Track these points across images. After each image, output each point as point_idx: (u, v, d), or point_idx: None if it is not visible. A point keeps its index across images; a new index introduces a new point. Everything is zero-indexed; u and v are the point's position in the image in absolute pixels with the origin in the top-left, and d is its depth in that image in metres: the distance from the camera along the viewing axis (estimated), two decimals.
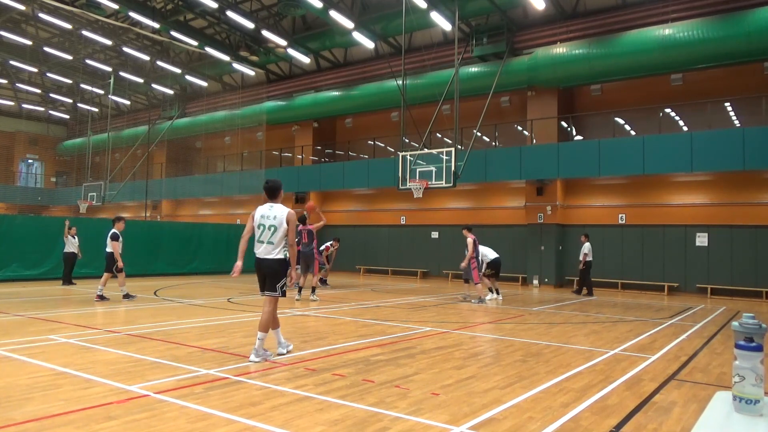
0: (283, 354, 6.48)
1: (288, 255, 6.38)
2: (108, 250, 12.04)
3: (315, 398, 4.69)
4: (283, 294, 6.41)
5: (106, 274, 12.14)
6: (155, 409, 4.30)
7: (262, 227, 6.31)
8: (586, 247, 15.91)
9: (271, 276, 6.29)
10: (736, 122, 18.47)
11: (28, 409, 4.24)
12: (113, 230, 12.08)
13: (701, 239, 17.76)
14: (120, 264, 11.90)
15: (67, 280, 15.75)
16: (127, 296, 12.12)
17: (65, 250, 15.76)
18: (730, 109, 18.53)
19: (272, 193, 6.45)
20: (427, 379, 5.47)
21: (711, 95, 18.15)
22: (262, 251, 6.31)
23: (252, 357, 6.15)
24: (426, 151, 18.41)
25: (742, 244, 17.08)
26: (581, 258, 16.00)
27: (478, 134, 21.32)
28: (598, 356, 6.93)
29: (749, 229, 16.99)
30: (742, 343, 1.95)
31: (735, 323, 2.01)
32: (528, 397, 4.91)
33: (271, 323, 6.32)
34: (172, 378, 5.27)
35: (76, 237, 15.89)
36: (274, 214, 6.28)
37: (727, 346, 7.92)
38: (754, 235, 16.91)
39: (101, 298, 11.81)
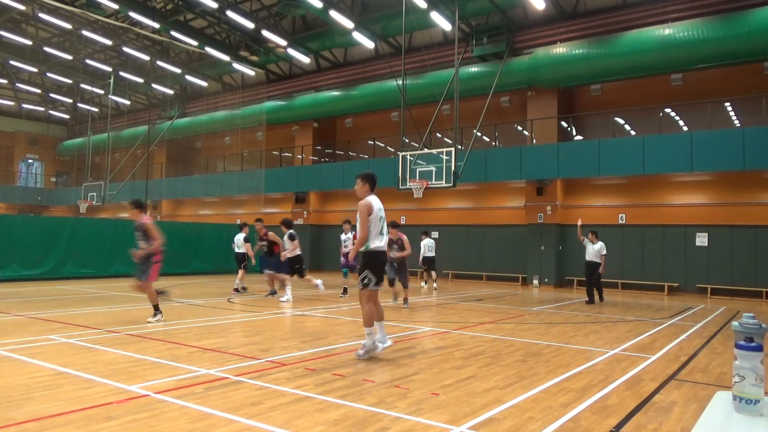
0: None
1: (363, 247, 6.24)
2: (239, 250, 14.37)
3: (315, 398, 4.69)
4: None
5: (241, 272, 14.23)
6: (155, 409, 4.30)
7: (382, 219, 6.06)
8: (603, 246, 13.63)
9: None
10: (736, 122, 18.47)
11: (28, 409, 4.23)
12: (244, 234, 14.40)
13: (701, 239, 17.76)
14: (250, 262, 14.21)
15: None
16: (238, 290, 13.86)
17: None
18: (730, 109, 18.53)
19: (376, 184, 6.32)
20: (427, 379, 5.46)
21: (711, 95, 18.14)
22: (384, 244, 6.08)
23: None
24: (426, 151, 18.41)
25: (742, 244, 17.08)
26: (600, 260, 13.50)
27: (478, 134, 21.32)
28: (598, 356, 6.93)
29: (749, 229, 16.99)
30: (742, 343, 1.95)
31: (735, 323, 2.01)
32: (528, 397, 4.91)
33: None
34: (172, 378, 5.27)
35: None
36: (380, 205, 6.19)
37: (727, 346, 7.91)
38: (754, 235, 16.91)
39: (243, 289, 14.16)
